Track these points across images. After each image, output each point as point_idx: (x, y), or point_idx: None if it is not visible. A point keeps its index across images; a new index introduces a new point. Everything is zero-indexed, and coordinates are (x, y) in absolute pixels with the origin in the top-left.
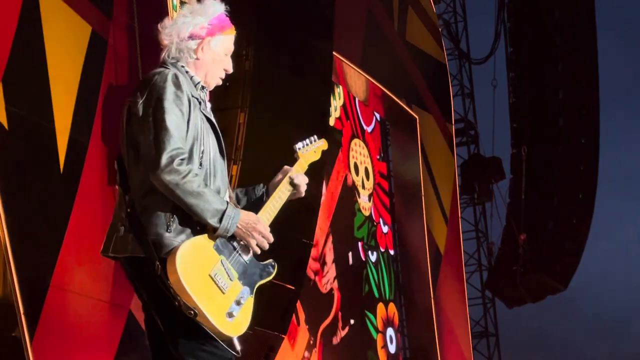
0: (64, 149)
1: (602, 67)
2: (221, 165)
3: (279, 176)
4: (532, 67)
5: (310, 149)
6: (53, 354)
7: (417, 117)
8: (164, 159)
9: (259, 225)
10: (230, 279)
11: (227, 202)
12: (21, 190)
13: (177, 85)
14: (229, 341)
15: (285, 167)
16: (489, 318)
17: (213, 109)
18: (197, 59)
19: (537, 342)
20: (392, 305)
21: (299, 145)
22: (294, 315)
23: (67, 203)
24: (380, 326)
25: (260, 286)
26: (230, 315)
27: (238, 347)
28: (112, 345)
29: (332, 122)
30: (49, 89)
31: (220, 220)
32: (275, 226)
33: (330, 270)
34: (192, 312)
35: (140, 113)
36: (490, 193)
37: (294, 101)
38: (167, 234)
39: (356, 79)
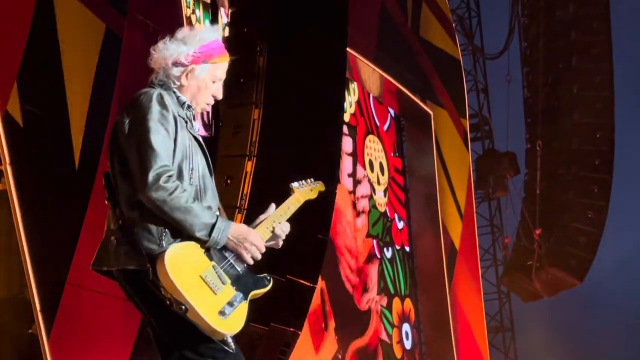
0: (79, 147)
1: (617, 60)
2: (211, 183)
3: (262, 216)
4: (546, 62)
5: (306, 188)
6: (69, 350)
7: (431, 112)
8: (151, 177)
9: (251, 236)
10: (223, 283)
11: (217, 216)
12: (36, 188)
13: (162, 104)
14: (222, 339)
15: (272, 206)
16: (505, 313)
17: (228, 105)
18: (181, 85)
19: (553, 337)
20: (408, 301)
21: (295, 184)
22: (322, 319)
23: (83, 200)
24: (396, 321)
25: (276, 281)
26: (222, 313)
27: (232, 345)
28: (128, 341)
29: (346, 118)
30: (64, 87)
31: (210, 233)
32: (289, 223)
33: (373, 290)
34: (182, 307)
35: (127, 132)
36: (505, 188)
37: (308, 97)
38: (159, 245)
39: (370, 75)
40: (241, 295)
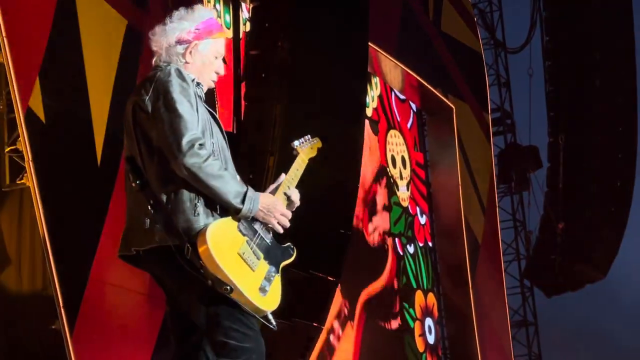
0: (101, 143)
1: None
2: (230, 157)
3: (272, 186)
4: (568, 56)
5: (307, 146)
6: (92, 345)
7: (453, 106)
8: (185, 144)
9: (279, 205)
10: (257, 259)
11: (247, 185)
12: (59, 184)
13: (182, 77)
14: (264, 316)
15: (282, 175)
16: (528, 307)
17: (250, 99)
18: (186, 62)
19: (576, 331)
20: (431, 295)
21: (296, 142)
22: None
23: (105, 196)
24: (418, 314)
25: (297, 277)
26: (262, 290)
27: (273, 321)
28: (150, 336)
29: (369, 112)
30: (86, 83)
31: (243, 201)
32: (312, 218)
33: (382, 220)
34: (227, 287)
35: (150, 108)
36: (528, 182)
37: (330, 92)
38: (195, 218)
39: (392, 69)
40: (274, 268)
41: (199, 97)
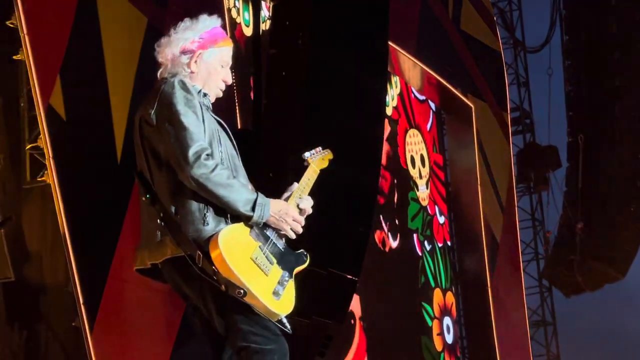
0: (121, 141)
1: None
2: (240, 165)
3: (285, 195)
4: (588, 55)
5: (318, 157)
6: (112, 343)
7: (472, 105)
8: (191, 156)
9: (291, 211)
10: (271, 264)
11: (257, 192)
12: (79, 181)
13: (186, 89)
14: (279, 320)
15: (294, 184)
16: (546, 307)
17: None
18: (191, 72)
19: (595, 331)
20: (449, 294)
21: (307, 154)
22: None
23: (125, 194)
24: (437, 313)
25: (316, 275)
26: (276, 294)
27: (288, 325)
28: (170, 335)
29: (389, 111)
30: (106, 81)
31: (253, 208)
32: (331, 216)
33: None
34: (240, 291)
35: (155, 122)
36: (547, 182)
37: (350, 91)
38: (204, 228)
39: (411, 68)
40: (287, 273)
41: (206, 107)
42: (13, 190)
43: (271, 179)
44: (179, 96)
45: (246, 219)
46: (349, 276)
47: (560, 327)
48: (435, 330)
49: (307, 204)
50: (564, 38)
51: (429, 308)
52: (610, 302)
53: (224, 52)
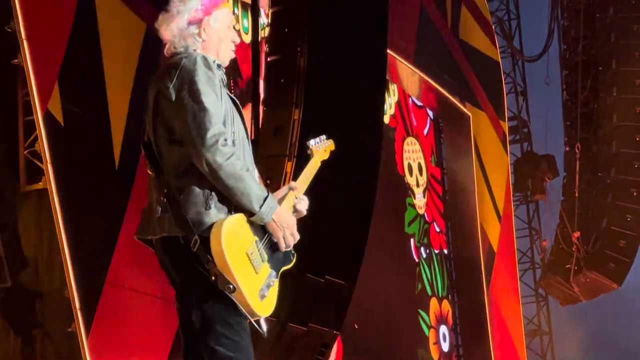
0: (119, 146)
1: None
2: (249, 148)
3: (283, 191)
4: (585, 65)
5: (322, 147)
6: (108, 349)
7: (470, 114)
8: (209, 139)
9: (292, 224)
10: (262, 260)
11: (268, 191)
12: (77, 187)
13: (208, 66)
14: (257, 321)
15: (292, 183)
16: (543, 316)
17: (268, 105)
18: (203, 41)
19: (591, 341)
20: (445, 303)
21: (312, 142)
22: None
23: (122, 200)
24: (433, 322)
25: (313, 282)
26: (262, 295)
27: (265, 327)
28: (166, 341)
29: (386, 119)
30: (105, 87)
31: (260, 206)
32: (329, 224)
33: None
34: (230, 286)
35: (174, 97)
36: (544, 191)
37: (348, 98)
38: (206, 212)
39: (409, 76)
40: (274, 273)
41: (224, 83)
42: (10, 195)
43: (268, 186)
44: (200, 73)
45: (249, 214)
46: (345, 283)
47: (556, 336)
48: (431, 340)
49: (303, 206)
50: (561, 48)
51: (425, 316)
52: (606, 311)
53: (225, 13)
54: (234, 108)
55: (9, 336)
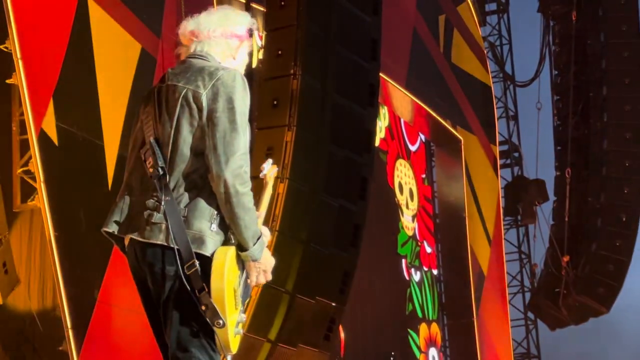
0: (113, 166)
1: None
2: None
3: None
4: (576, 90)
5: (272, 172)
6: None
7: (461, 138)
8: (235, 162)
9: (270, 268)
10: (240, 296)
11: (260, 230)
12: (70, 206)
13: (245, 88)
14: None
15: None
16: (532, 339)
17: (261, 127)
18: (233, 58)
19: None
20: (434, 325)
21: (265, 168)
22: None
23: None
24: (423, 346)
25: (304, 303)
26: (236, 332)
27: None
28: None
29: (377, 142)
30: (99, 106)
31: (255, 243)
32: (320, 246)
33: None
34: (220, 322)
35: (205, 106)
36: (534, 215)
37: (340, 120)
38: (209, 231)
39: (402, 100)
40: (243, 309)
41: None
42: (3, 213)
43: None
44: (239, 91)
45: (240, 248)
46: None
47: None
48: None
49: (267, 237)
50: (553, 73)
51: (415, 337)
52: (595, 336)
53: (250, 47)
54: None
55: None
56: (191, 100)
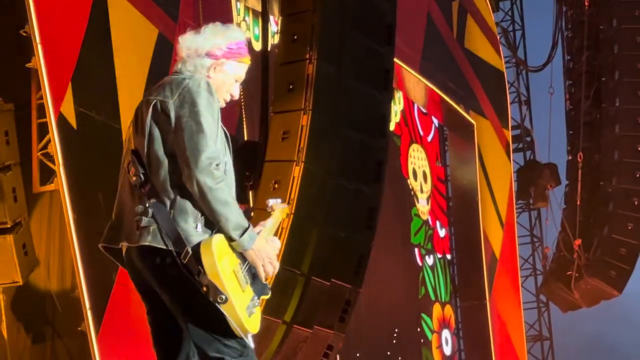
0: None
1: None
2: (233, 180)
3: (258, 228)
4: (588, 75)
5: (281, 207)
6: (117, 347)
7: (474, 122)
8: (203, 161)
9: (272, 254)
10: (246, 282)
11: (250, 223)
12: (88, 188)
13: (211, 92)
14: (244, 337)
15: (268, 220)
16: (544, 322)
17: (277, 111)
18: (208, 76)
19: (591, 347)
20: (448, 307)
21: (272, 201)
22: None
23: None
24: (436, 327)
25: (319, 285)
26: (250, 312)
27: (252, 344)
28: None
29: (391, 126)
30: (117, 91)
31: (241, 235)
32: (336, 229)
33: None
34: (222, 297)
35: (172, 113)
36: (546, 198)
37: (355, 104)
38: (194, 231)
39: (415, 85)
40: (257, 297)
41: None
42: (23, 196)
43: (275, 190)
44: (203, 96)
45: (229, 239)
46: (350, 286)
47: (557, 342)
48: (434, 344)
49: (275, 245)
50: (565, 58)
51: (428, 321)
52: (607, 318)
53: (242, 68)
54: (225, 141)
55: (19, 334)
56: (159, 110)
